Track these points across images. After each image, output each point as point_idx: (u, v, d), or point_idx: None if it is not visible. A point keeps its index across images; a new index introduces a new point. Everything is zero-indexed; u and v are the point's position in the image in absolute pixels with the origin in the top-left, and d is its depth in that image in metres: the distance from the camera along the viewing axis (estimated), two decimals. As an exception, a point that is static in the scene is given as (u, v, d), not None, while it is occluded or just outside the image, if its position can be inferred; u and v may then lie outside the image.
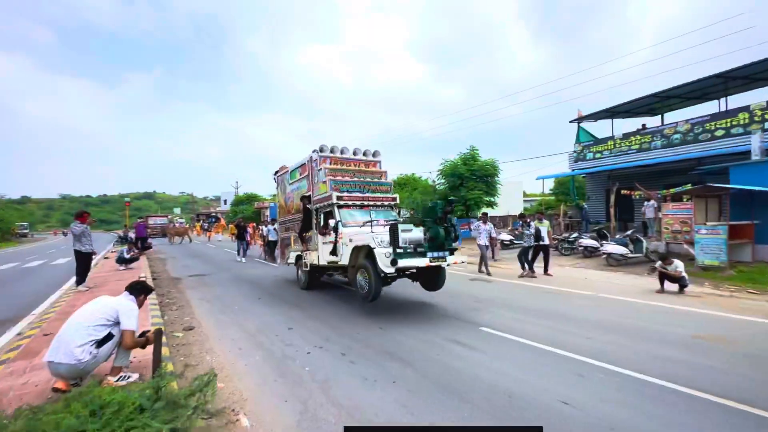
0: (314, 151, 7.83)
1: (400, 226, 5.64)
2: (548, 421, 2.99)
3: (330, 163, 7.78)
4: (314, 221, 7.79)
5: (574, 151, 20.37)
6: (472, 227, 17.25)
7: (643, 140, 17.29)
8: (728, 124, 14.35)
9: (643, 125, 18.25)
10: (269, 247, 14.28)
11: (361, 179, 7.86)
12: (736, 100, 16.49)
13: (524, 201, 38.76)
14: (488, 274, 10.37)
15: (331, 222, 6.87)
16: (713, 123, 14.82)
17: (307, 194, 8.05)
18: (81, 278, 8.35)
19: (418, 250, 5.78)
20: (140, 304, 3.76)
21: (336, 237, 6.70)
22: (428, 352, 4.58)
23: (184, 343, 5.11)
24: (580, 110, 20.82)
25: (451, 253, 6.04)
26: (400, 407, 3.27)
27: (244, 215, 41.78)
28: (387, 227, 6.22)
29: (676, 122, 16.46)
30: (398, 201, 8.30)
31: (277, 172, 10.22)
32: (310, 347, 4.82)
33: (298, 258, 8.77)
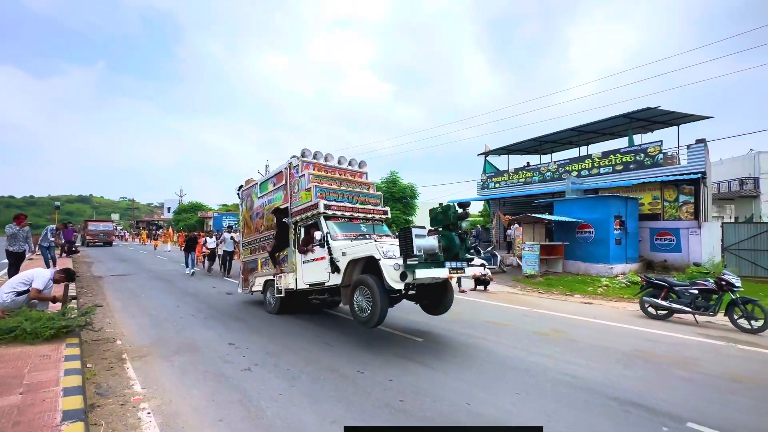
0: (294, 156, 6.97)
1: (414, 230, 4.66)
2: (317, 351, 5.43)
3: (313, 169, 6.88)
4: (292, 238, 6.83)
5: (481, 181, 24.17)
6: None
7: (527, 175, 21.17)
8: (580, 167, 18.43)
9: (528, 163, 22.31)
10: (224, 260, 13.66)
11: (350, 189, 7.01)
12: (597, 147, 20.99)
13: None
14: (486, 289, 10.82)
15: (317, 235, 5.95)
16: (571, 165, 18.90)
17: (283, 207, 7.10)
18: (13, 274, 9.72)
19: (433, 261, 4.81)
20: (58, 281, 5.70)
21: (328, 250, 5.75)
22: (263, 315, 6.92)
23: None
24: (487, 145, 24.76)
25: (468, 264, 5.18)
26: (217, 337, 5.58)
27: (187, 224, 42.09)
28: (386, 240, 5.59)
29: (548, 162, 20.60)
30: (389, 215, 7.60)
31: (241, 187, 9.20)
32: (185, 315, 6.99)
33: (267, 284, 7.64)
